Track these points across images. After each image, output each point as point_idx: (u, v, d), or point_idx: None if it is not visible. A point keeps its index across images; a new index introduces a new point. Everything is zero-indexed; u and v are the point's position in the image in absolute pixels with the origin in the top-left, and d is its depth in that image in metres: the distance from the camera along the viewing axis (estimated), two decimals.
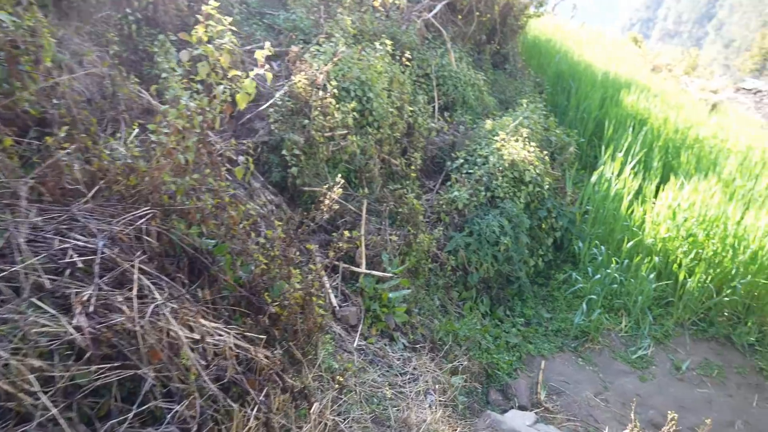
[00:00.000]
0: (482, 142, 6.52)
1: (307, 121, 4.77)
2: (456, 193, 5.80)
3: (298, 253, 3.24)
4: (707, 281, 5.72)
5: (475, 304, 5.67)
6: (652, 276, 5.77)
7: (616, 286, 5.88)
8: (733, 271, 5.66)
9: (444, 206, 5.84)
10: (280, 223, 3.46)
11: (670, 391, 5.13)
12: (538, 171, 6.24)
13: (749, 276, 5.62)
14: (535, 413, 4.41)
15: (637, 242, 6.20)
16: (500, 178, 5.98)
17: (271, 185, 4.72)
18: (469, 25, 9.40)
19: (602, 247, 6.20)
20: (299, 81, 4.86)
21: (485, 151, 6.30)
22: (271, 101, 4.88)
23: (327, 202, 4.05)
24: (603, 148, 7.35)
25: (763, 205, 6.24)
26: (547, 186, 6.35)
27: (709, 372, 5.35)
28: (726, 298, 5.71)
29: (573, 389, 4.97)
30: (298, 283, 2.71)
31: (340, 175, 4.36)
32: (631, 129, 7.90)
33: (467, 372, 4.51)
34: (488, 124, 6.73)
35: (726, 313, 5.84)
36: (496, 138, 6.33)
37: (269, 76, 2.98)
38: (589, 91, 9.50)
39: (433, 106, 7.23)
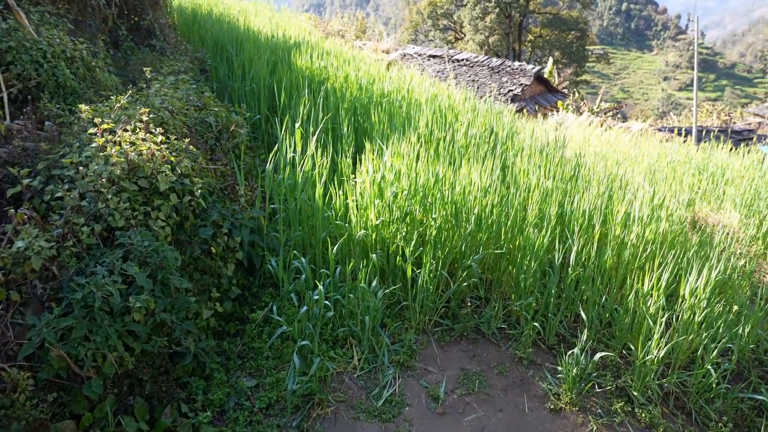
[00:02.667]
0: (75, 143, 3.87)
1: None
2: (23, 242, 3.08)
3: None
4: (438, 269, 4.36)
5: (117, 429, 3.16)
6: (375, 282, 4.14)
7: (331, 314, 4.08)
8: (463, 247, 4.41)
9: (10, 271, 3.08)
10: None
11: None
12: (182, 170, 3.95)
13: (480, 249, 4.46)
14: None
15: (345, 241, 4.52)
16: (112, 196, 3.48)
17: None
18: None
19: (303, 259, 4.32)
20: None
21: (78, 156, 3.69)
22: None
23: None
24: (278, 121, 5.46)
25: (468, 156, 5.23)
26: (203, 190, 4.12)
27: (471, 388, 4.00)
28: (464, 283, 4.46)
29: None
30: None
31: None
32: (308, 92, 6.23)
33: None
34: (85, 110, 4.08)
35: (469, 301, 4.63)
36: (94, 132, 3.76)
37: None
38: (256, 55, 7.57)
39: None
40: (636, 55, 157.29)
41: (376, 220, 4.39)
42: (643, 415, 3.98)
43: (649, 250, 4.60)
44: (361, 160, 5.07)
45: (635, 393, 4.07)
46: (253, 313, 4.32)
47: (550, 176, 5.25)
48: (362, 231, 4.44)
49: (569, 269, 4.34)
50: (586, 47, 53.65)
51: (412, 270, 4.31)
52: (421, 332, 4.46)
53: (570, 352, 4.05)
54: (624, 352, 4.43)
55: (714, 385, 4.13)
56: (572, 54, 51.08)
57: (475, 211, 4.40)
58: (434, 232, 4.29)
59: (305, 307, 3.74)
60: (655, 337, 3.95)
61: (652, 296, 4.26)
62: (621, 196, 4.98)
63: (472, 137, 5.60)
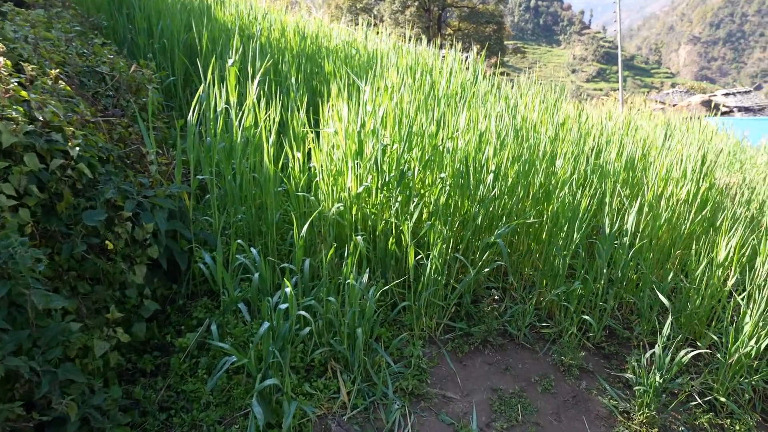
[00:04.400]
0: None
1: None
2: None
3: None
4: (449, 251, 3.10)
5: None
6: (364, 278, 2.79)
7: (309, 329, 2.69)
8: (479, 220, 3.17)
9: None
10: None
11: None
12: (47, 118, 2.42)
13: (504, 221, 3.23)
14: None
15: (315, 220, 3.14)
16: None
17: None
18: None
19: (253, 251, 2.89)
20: None
21: None
22: None
23: None
24: (202, 72, 3.95)
25: (453, 102, 3.98)
26: (90, 153, 2.60)
27: (512, 417, 2.76)
28: (485, 269, 3.22)
29: None
30: None
31: None
32: (239, 43, 4.74)
33: None
34: None
35: (487, 295, 3.40)
36: None
37: None
38: (164, 5, 5.93)
39: None
40: (546, 49, 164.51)
41: (358, 187, 3.05)
42: (737, 428, 2.94)
43: (705, 212, 3.57)
44: (317, 120, 3.69)
45: (722, 398, 3.02)
46: (181, 338, 2.84)
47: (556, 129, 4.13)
48: (336, 205, 3.08)
49: (623, 239, 3.21)
50: (504, 41, 54.75)
51: (413, 255, 3.01)
52: (428, 342, 3.17)
53: (648, 352, 2.90)
54: (697, 343, 3.38)
55: None
56: (491, 47, 51.84)
57: (492, 167, 3.17)
58: (443, 198, 3.02)
59: (266, 324, 2.34)
60: (751, 321, 2.91)
61: (729, 269, 3.23)
62: (657, 149, 3.95)
63: (456, 87, 4.38)
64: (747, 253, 3.28)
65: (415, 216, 2.90)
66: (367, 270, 2.81)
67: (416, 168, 3.04)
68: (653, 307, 3.37)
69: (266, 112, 3.44)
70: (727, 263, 3.21)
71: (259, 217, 3.35)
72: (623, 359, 3.27)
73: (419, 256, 3.07)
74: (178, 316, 3.14)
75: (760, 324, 2.89)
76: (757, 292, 3.11)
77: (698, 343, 3.31)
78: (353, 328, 2.74)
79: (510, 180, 3.30)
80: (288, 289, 2.44)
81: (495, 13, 54.27)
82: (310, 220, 2.77)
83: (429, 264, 2.93)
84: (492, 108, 3.67)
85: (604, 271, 3.17)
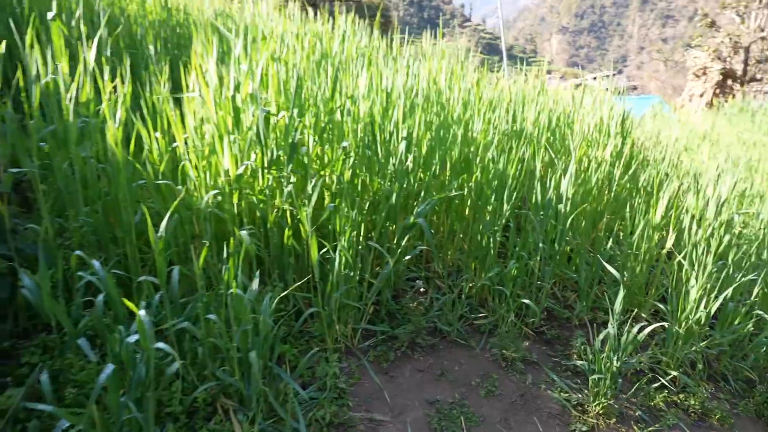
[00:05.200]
0: None
1: None
2: None
3: None
4: (358, 239, 2.51)
5: None
6: (255, 284, 2.11)
7: (177, 366, 1.97)
8: (393, 198, 2.60)
9: None
10: None
11: None
12: None
13: (422, 196, 2.70)
14: None
15: (184, 216, 2.41)
16: None
17: None
18: None
19: (96, 264, 2.11)
20: None
21: None
22: None
23: None
24: (18, 37, 3.00)
25: (350, 65, 3.39)
26: None
27: None
28: (406, 257, 2.67)
29: None
30: None
31: None
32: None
33: None
34: None
35: (409, 287, 2.85)
36: None
37: None
38: None
39: None
40: (432, 42, 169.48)
41: (237, 167, 2.36)
42: (692, 402, 2.66)
43: (631, 171, 3.30)
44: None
45: (673, 371, 2.74)
46: (3, 394, 2.00)
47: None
48: (211, 194, 2.37)
49: (556, 207, 2.80)
50: (392, 34, 55.50)
51: (319, 248, 2.38)
52: (345, 354, 2.56)
53: (601, 334, 2.50)
54: (641, 315, 3.09)
55: (747, 337, 3.00)
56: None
57: (403, 134, 2.63)
58: (347, 175, 2.42)
59: (110, 366, 1.61)
60: (698, 284, 2.63)
61: (664, 230, 2.96)
62: (572, 109, 3.63)
63: (350, 51, 3.79)
64: (677, 214, 3.03)
65: (314, 199, 2.27)
66: (259, 273, 2.14)
67: (311, 140, 2.40)
68: (594, 281, 3.02)
69: (113, 84, 2.62)
70: (663, 223, 2.93)
71: (110, 219, 2.54)
72: (567, 343, 2.88)
73: (324, 250, 2.45)
74: (2, 364, 2.27)
75: (708, 286, 2.61)
76: (695, 251, 2.85)
77: (643, 315, 3.02)
78: (245, 352, 2.06)
79: (424, 149, 2.78)
80: (142, 313, 1.71)
81: (381, 6, 54.85)
82: (168, 213, 2.03)
83: (337, 258, 2.32)
84: (396, 70, 3.13)
85: (540, 245, 2.75)
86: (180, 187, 2.45)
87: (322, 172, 2.51)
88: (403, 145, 2.58)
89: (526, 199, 3.18)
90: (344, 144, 2.37)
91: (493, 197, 2.76)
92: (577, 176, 3.03)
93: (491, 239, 2.76)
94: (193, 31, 4.03)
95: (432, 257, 2.91)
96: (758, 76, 21.77)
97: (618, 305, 2.38)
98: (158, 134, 2.54)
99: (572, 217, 2.94)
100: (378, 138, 2.57)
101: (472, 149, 2.92)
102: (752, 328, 2.95)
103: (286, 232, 2.45)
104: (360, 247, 2.51)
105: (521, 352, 2.67)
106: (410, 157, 2.72)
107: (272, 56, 2.69)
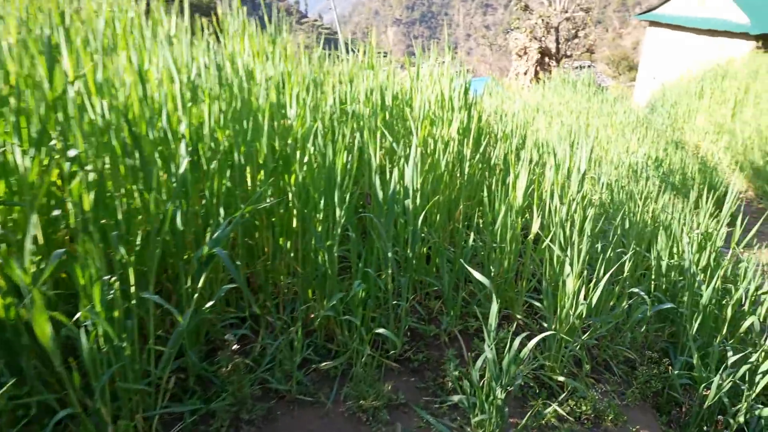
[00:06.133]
0: None
1: None
2: None
3: None
4: (120, 296, 1.68)
5: None
6: None
7: None
8: (176, 222, 1.81)
9: None
10: None
11: None
12: None
13: (222, 213, 1.94)
14: None
15: None
16: None
17: None
18: None
19: None
20: None
21: None
22: None
23: None
24: None
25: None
26: None
27: None
28: (209, 302, 1.89)
29: None
30: None
31: None
32: None
33: None
34: None
35: (228, 331, 2.07)
36: None
37: None
38: None
39: None
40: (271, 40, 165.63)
41: None
42: (584, 408, 2.28)
43: (482, 149, 2.85)
44: None
45: (560, 377, 2.33)
46: None
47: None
48: None
49: (403, 202, 2.22)
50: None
51: (55, 323, 1.51)
52: None
53: (479, 359, 1.96)
54: (515, 315, 2.64)
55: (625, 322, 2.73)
56: None
57: (183, 130, 1.83)
58: (87, 199, 1.56)
59: None
60: (573, 272, 2.23)
61: (527, 212, 2.54)
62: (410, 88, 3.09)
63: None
64: (539, 194, 2.64)
65: (29, 245, 1.41)
66: None
67: (18, 151, 1.52)
68: (459, 281, 2.51)
69: None
70: (525, 205, 2.51)
71: None
72: (439, 367, 2.34)
73: (75, 318, 1.59)
74: None
75: (585, 274, 2.22)
76: (562, 233, 2.47)
77: (517, 315, 2.58)
78: None
79: (222, 147, 2.02)
80: None
81: (210, 6, 51.85)
82: None
83: (83, 334, 1.48)
84: (176, 50, 2.31)
85: (389, 254, 2.15)
86: None
87: (46, 201, 1.63)
88: (183, 147, 1.79)
89: (370, 196, 2.57)
90: (72, 152, 1.52)
91: (323, 201, 2.09)
92: (424, 161, 2.48)
93: (327, 255, 2.09)
94: None
95: (245, 294, 2.17)
96: (569, 53, 24.10)
97: (493, 322, 1.85)
98: None
99: (425, 211, 2.39)
100: (136, 140, 1.75)
101: (290, 142, 2.22)
102: (626, 306, 2.68)
103: None
104: (132, 302, 1.69)
105: (384, 397, 2.05)
106: (201, 160, 1.94)
107: None
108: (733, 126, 9.65)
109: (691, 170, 7.16)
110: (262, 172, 2.14)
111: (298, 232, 2.25)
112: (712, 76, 12.99)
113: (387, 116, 2.83)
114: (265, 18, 3.12)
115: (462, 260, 2.49)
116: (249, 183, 2.14)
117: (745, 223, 3.18)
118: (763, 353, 2.54)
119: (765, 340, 2.93)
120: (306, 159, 2.15)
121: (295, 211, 2.23)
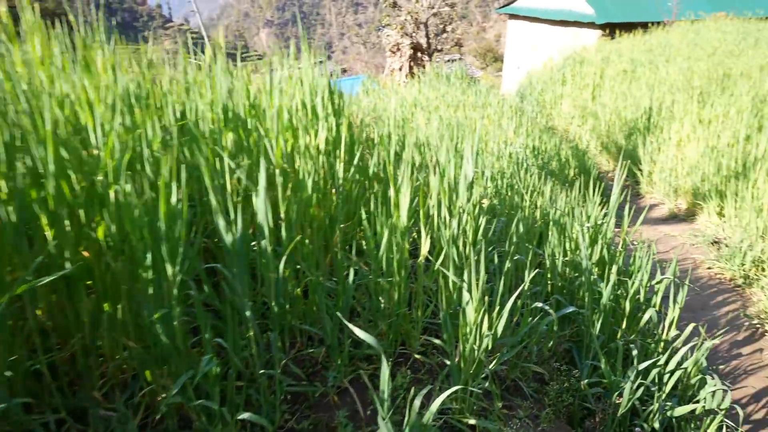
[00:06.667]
0: None
1: None
2: None
3: None
4: None
5: None
6: None
7: None
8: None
9: None
10: None
11: None
12: None
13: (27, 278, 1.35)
14: None
15: None
16: None
17: None
18: None
19: None
20: None
21: None
22: None
23: None
24: None
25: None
26: None
27: None
28: None
29: None
30: None
31: None
32: None
33: None
34: None
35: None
36: None
37: None
38: None
39: None
40: (134, 47, 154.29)
41: None
42: None
43: (356, 160, 2.45)
44: None
45: (471, 420, 2.02)
46: None
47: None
48: None
49: (261, 241, 1.75)
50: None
51: None
52: None
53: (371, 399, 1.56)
54: (412, 354, 2.27)
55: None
56: None
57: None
58: None
59: None
60: (474, 299, 1.91)
61: (413, 231, 2.19)
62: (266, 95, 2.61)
63: None
64: (425, 209, 2.31)
65: None
66: None
67: None
68: (335, 327, 2.10)
69: None
70: (411, 224, 2.16)
71: None
72: None
73: None
74: None
75: (486, 299, 1.91)
76: (455, 250, 2.15)
77: (415, 353, 2.23)
78: None
79: None
80: None
81: (56, 12, 46.82)
82: None
83: None
84: None
85: (248, 313, 1.68)
86: None
87: None
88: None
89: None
90: None
91: (150, 254, 1.57)
92: (285, 185, 2.03)
93: (164, 326, 1.57)
94: None
95: (85, 371, 1.59)
96: (439, 47, 24.78)
97: (386, 388, 1.46)
98: None
99: (293, 243, 1.94)
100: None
101: (100, 178, 1.66)
102: (531, 320, 2.44)
103: None
104: None
105: None
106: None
107: None
108: (594, 109, 10.27)
109: (565, 154, 7.41)
110: (54, 226, 1.56)
111: (125, 297, 1.70)
112: (572, 63, 13.86)
113: (241, 134, 2.33)
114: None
115: (345, 295, 2.08)
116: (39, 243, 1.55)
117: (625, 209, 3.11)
118: (667, 353, 2.43)
119: (662, 331, 2.86)
120: (121, 200, 1.60)
121: (118, 268, 1.67)
